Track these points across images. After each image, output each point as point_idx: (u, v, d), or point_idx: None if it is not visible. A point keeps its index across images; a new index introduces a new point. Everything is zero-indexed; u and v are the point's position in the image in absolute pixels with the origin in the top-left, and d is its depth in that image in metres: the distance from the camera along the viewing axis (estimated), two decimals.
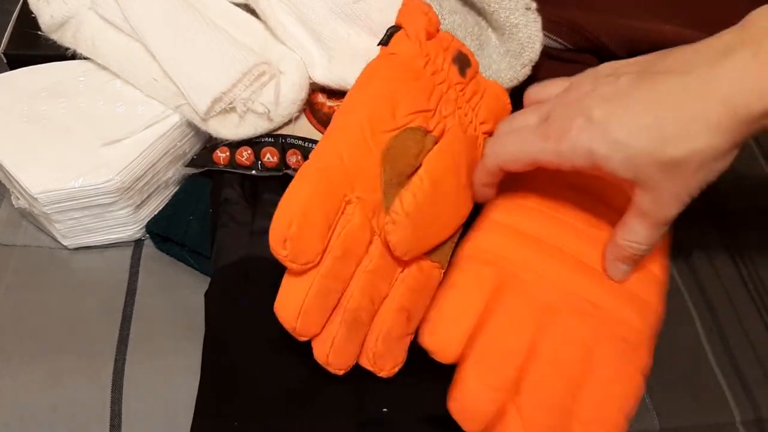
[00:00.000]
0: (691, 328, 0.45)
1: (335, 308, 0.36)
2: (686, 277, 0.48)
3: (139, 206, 0.45)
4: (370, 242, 0.38)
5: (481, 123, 0.43)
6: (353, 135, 0.38)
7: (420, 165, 0.39)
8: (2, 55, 0.50)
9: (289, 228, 0.34)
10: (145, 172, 0.44)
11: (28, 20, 0.48)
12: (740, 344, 0.44)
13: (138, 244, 0.47)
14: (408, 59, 0.41)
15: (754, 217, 0.51)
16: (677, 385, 0.42)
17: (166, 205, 0.47)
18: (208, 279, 0.42)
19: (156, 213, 0.46)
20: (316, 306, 0.35)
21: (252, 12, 0.47)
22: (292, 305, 0.35)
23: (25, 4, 0.49)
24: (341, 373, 0.36)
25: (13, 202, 0.45)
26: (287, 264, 0.35)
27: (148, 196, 0.46)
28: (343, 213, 0.37)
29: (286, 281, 0.36)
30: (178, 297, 0.44)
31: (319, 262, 0.35)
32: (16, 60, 0.49)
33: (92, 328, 0.42)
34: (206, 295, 0.41)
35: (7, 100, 0.45)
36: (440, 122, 0.41)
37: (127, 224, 0.45)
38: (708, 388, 0.42)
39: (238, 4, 0.48)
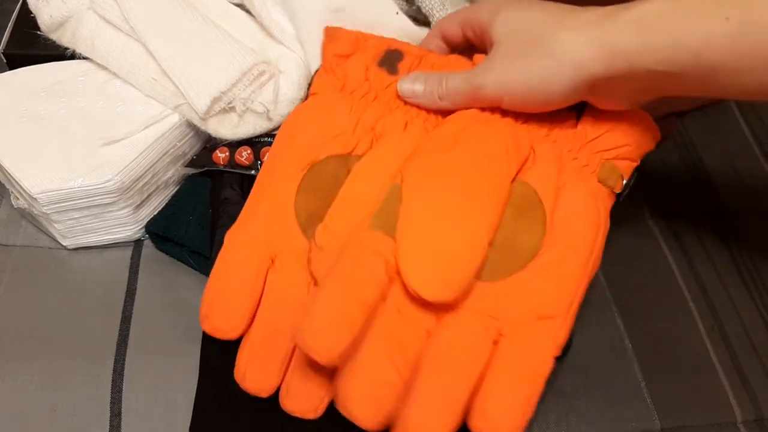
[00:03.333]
0: (693, 327, 0.45)
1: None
2: (687, 276, 0.48)
3: (138, 206, 0.45)
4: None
5: None
6: (269, 191, 0.39)
7: None
8: (2, 55, 0.50)
9: (206, 307, 0.36)
10: (145, 172, 0.44)
11: (27, 20, 0.48)
12: (741, 344, 0.44)
13: (138, 244, 0.46)
14: (324, 94, 0.41)
15: (754, 217, 0.51)
16: (678, 385, 0.42)
17: (166, 205, 0.47)
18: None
19: (156, 213, 0.46)
20: (257, 365, 0.35)
21: (250, 12, 0.47)
22: (239, 369, 0.36)
23: (25, 4, 0.49)
24: (312, 416, 0.35)
25: (13, 202, 0.45)
26: (216, 336, 0.36)
27: (148, 196, 0.46)
28: (272, 269, 0.37)
29: (240, 347, 0.36)
30: (178, 297, 0.44)
31: (251, 325, 0.36)
32: (16, 60, 0.49)
33: (92, 328, 0.42)
34: None
35: (6, 100, 0.45)
36: (364, 136, 0.40)
37: (126, 224, 0.45)
38: (709, 388, 0.42)
39: (236, 4, 0.48)
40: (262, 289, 0.36)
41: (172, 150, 0.45)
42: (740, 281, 0.48)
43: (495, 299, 0.35)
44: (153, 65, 0.44)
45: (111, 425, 0.38)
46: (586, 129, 0.39)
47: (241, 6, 0.48)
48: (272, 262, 0.37)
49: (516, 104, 0.38)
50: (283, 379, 0.35)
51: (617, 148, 0.39)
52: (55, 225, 0.44)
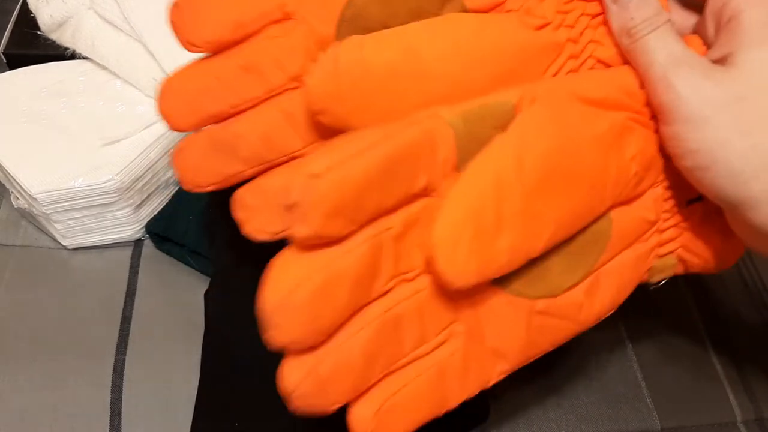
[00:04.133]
0: (693, 327, 0.45)
1: None
2: (688, 277, 0.47)
3: (138, 206, 0.45)
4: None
5: None
6: None
7: None
8: (2, 55, 0.50)
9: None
10: (145, 172, 0.44)
11: (27, 20, 0.48)
12: (741, 343, 0.44)
13: (138, 244, 0.46)
14: None
15: None
16: (678, 385, 0.42)
17: (166, 205, 0.47)
18: (208, 279, 0.42)
19: (156, 213, 0.46)
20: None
21: None
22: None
23: (25, 4, 0.49)
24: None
25: (13, 202, 0.45)
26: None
27: (148, 196, 0.46)
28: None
29: None
30: (178, 297, 0.44)
31: None
32: (16, 60, 0.49)
33: (92, 328, 0.42)
34: (206, 295, 0.41)
35: (7, 100, 0.45)
36: None
37: (126, 224, 0.45)
38: (709, 388, 0.42)
39: None
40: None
41: (172, 150, 0.45)
42: (740, 281, 0.47)
43: None
44: (153, 65, 0.44)
45: (111, 425, 0.38)
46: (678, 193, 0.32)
47: None
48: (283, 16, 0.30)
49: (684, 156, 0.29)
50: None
51: (691, 253, 0.33)
52: (55, 225, 0.44)
